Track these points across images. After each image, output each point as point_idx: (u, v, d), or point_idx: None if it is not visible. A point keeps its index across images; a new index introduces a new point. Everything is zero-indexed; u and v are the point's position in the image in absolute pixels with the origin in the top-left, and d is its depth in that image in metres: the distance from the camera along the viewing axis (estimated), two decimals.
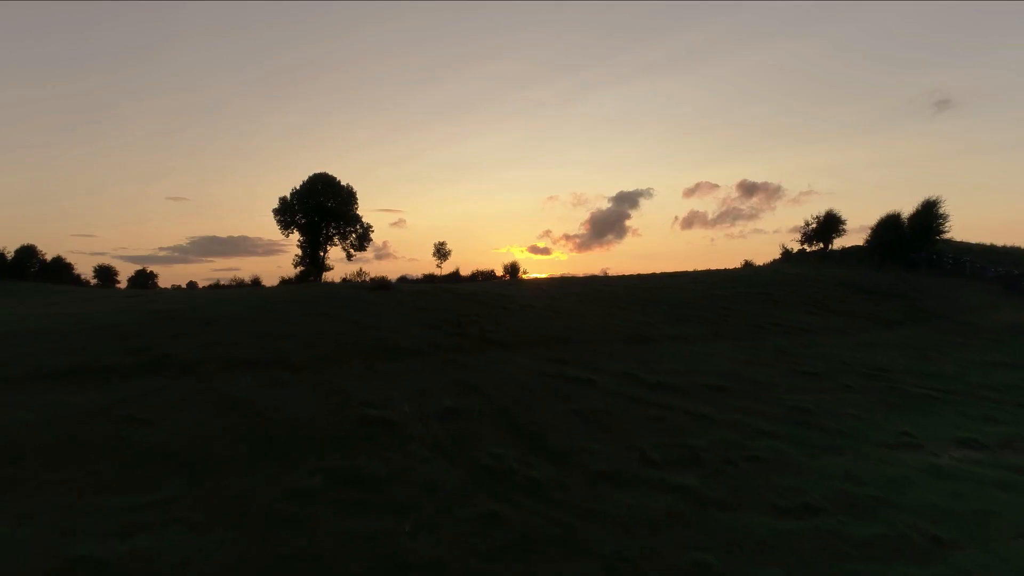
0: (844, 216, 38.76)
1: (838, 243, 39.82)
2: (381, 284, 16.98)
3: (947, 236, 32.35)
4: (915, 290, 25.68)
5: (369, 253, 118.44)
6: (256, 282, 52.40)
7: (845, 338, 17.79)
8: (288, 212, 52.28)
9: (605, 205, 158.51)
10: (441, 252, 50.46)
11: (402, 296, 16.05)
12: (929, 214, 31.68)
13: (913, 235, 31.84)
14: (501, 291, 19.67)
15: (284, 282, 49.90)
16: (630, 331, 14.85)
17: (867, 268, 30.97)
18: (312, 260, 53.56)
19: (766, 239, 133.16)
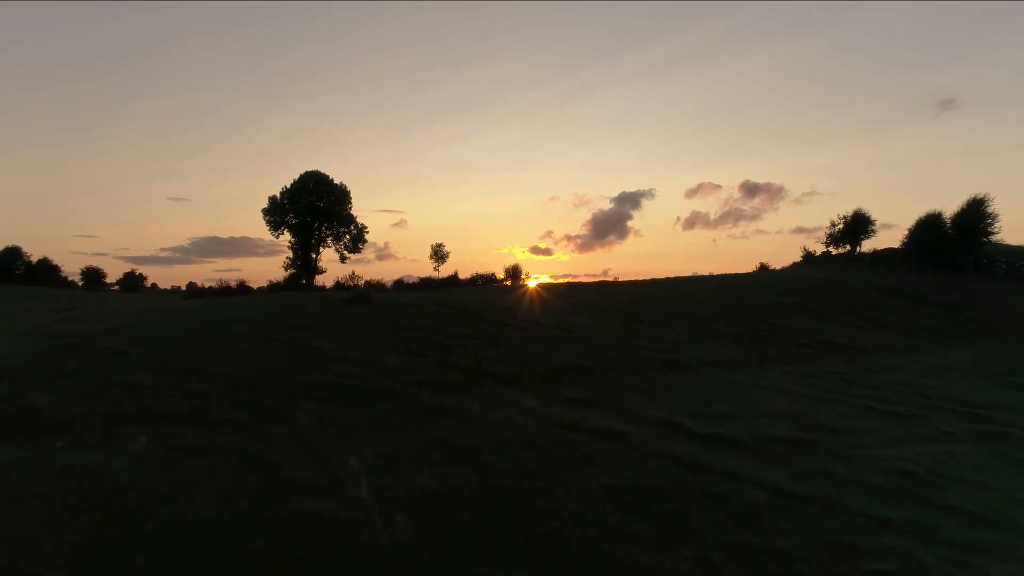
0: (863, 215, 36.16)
1: (867, 245, 37.17)
2: (359, 296, 14.38)
3: (996, 238, 29.51)
4: (968, 298, 23.00)
5: (370, 254, 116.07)
6: (243, 285, 49.57)
7: (906, 359, 15.11)
8: (278, 212, 49.71)
9: (607, 206, 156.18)
10: (439, 254, 47.82)
11: (384, 311, 13.44)
12: (976, 213, 28.83)
13: (958, 236, 29.06)
14: (502, 302, 17.05)
15: (269, 287, 47.15)
16: (659, 355, 12.20)
17: (905, 272, 28.29)
18: (303, 263, 50.97)
19: (768, 240, 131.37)
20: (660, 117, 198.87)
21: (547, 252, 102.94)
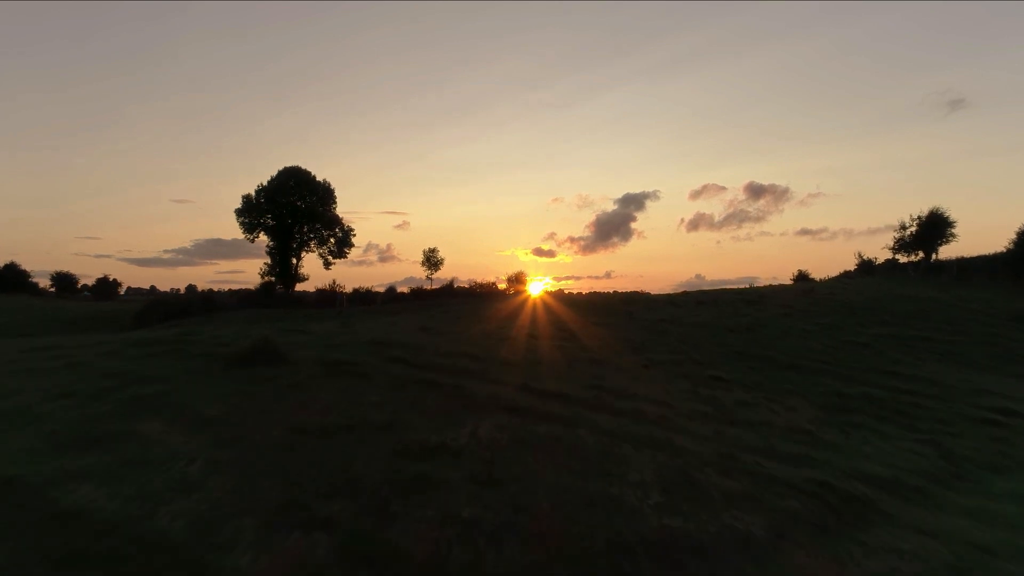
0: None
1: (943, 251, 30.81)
2: (261, 350, 8.50)
3: None
4: None
5: (372, 255, 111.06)
6: (209, 294, 43.46)
7: None
8: (254, 212, 44.18)
9: (611, 207, 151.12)
10: (431, 261, 42.03)
11: (290, 384, 7.44)
12: None
13: None
14: (502, 350, 11.12)
15: (239, 298, 41.33)
16: (794, 481, 6.24)
17: (1018, 289, 22.25)
18: (282, 269, 45.35)
19: (772, 241, 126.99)
20: (665, 118, 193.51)
21: (550, 254, 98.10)
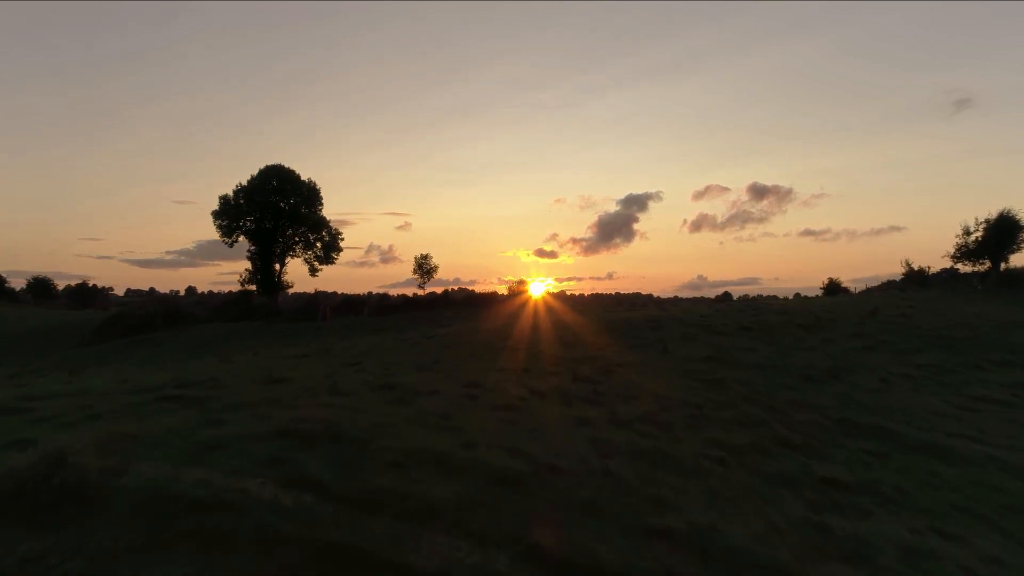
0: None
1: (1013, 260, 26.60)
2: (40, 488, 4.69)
3: None
4: None
5: (374, 256, 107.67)
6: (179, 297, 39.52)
7: None
8: (232, 214, 40.48)
9: (613, 208, 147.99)
10: (424, 268, 38.10)
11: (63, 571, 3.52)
12: None
13: None
14: (507, 383, 7.14)
15: (216, 306, 37.56)
16: None
17: None
18: (264, 275, 41.59)
19: (775, 242, 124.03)
20: (668, 119, 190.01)
21: (552, 255, 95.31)
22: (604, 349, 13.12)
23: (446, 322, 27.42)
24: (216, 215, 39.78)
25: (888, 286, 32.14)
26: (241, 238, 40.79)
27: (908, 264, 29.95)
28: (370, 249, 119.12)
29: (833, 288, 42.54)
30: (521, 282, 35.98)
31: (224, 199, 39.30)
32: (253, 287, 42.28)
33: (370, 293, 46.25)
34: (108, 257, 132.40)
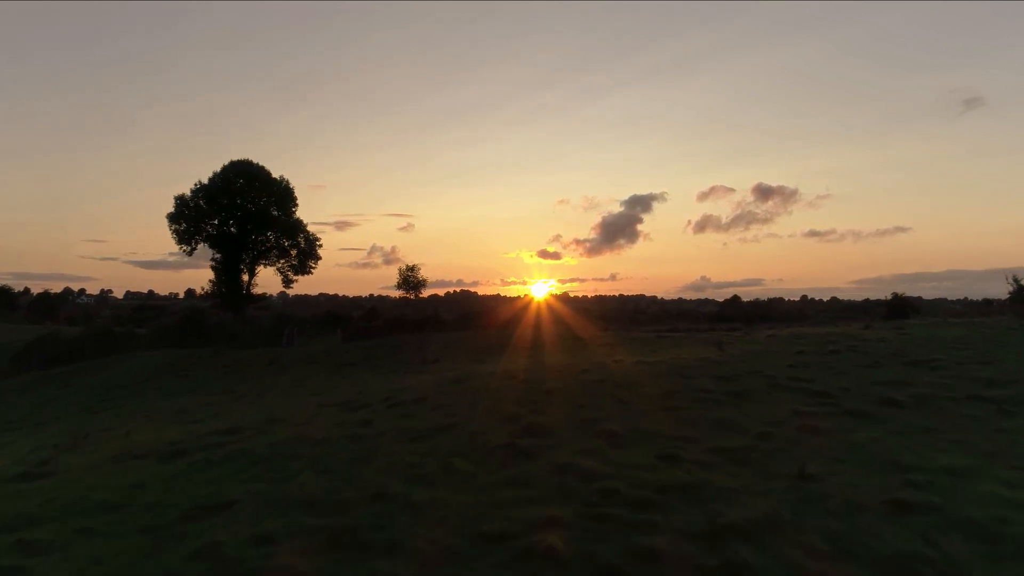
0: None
1: None
2: None
3: None
4: None
5: (376, 257, 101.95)
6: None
7: None
8: (191, 217, 34.78)
9: (617, 209, 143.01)
10: (409, 282, 32.13)
11: None
12: None
13: None
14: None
15: (162, 330, 31.82)
16: None
17: None
18: (230, 288, 35.74)
19: (779, 243, 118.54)
20: (673, 120, 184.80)
21: (555, 256, 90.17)
22: (687, 445, 7.00)
23: (432, 353, 21.48)
24: (171, 218, 34.09)
25: (986, 307, 25.67)
26: (203, 245, 35.10)
27: (1017, 281, 23.42)
28: (372, 250, 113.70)
29: (899, 307, 34.34)
30: (528, 299, 29.91)
31: (180, 200, 33.55)
32: (218, 300, 36.60)
33: (371, 295, 40.34)
34: (112, 259, 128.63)
